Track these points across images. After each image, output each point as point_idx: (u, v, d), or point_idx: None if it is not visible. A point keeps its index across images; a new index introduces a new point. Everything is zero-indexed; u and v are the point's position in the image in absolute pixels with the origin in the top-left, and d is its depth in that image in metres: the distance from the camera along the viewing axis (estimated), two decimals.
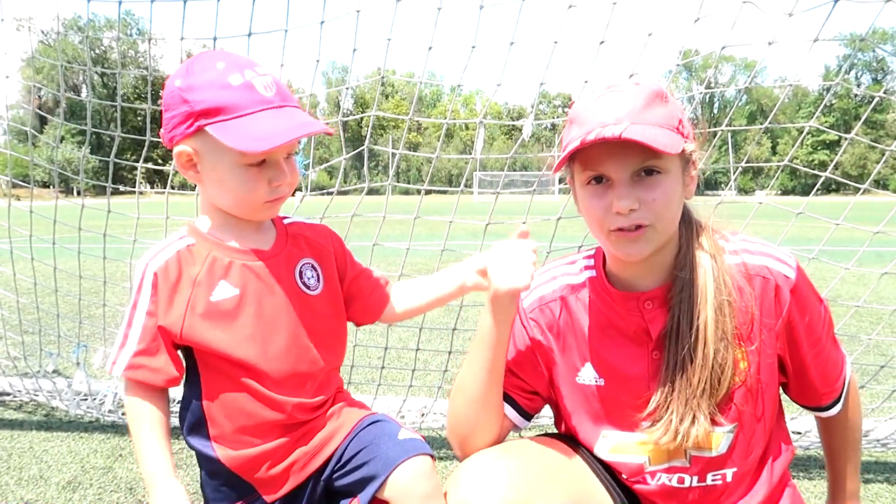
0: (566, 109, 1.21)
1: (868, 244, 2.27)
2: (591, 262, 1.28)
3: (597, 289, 1.24)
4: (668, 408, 1.13)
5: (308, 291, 1.30)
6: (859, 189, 2.32)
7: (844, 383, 1.25)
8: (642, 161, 1.05)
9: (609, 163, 1.06)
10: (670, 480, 1.20)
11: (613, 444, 1.23)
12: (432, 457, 1.25)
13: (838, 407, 1.25)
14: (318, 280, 1.34)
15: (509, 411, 1.33)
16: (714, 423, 1.14)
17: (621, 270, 1.21)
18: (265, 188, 1.21)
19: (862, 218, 2.21)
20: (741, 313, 1.12)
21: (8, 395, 3.26)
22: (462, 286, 1.40)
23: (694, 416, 1.11)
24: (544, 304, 1.29)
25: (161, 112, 1.24)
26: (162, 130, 1.24)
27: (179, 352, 1.28)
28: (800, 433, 2.79)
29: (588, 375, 1.23)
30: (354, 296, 1.44)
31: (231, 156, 1.16)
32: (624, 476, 1.24)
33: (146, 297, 1.23)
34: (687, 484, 1.20)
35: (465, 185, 2.70)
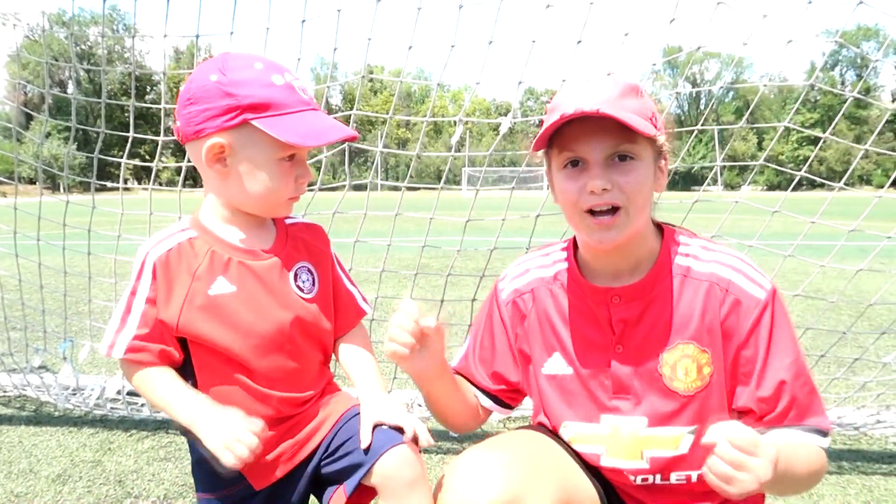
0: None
1: (850, 240, 2.33)
2: (564, 254, 1.32)
3: (567, 280, 1.28)
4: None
5: (302, 294, 1.34)
6: (843, 185, 2.38)
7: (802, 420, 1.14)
8: (617, 145, 1.10)
9: (585, 145, 1.10)
10: (635, 479, 1.24)
11: (573, 434, 1.28)
12: (416, 443, 1.29)
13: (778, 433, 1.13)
14: (314, 284, 1.38)
15: (486, 402, 1.39)
16: (675, 422, 1.19)
17: (594, 260, 1.25)
18: (292, 184, 1.28)
19: (845, 213, 2.27)
20: (706, 321, 1.16)
21: None
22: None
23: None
24: (519, 296, 1.33)
25: (183, 104, 1.24)
26: (177, 123, 1.26)
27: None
28: None
29: (555, 366, 1.28)
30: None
31: (270, 150, 1.22)
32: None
33: (146, 284, 1.25)
34: (651, 481, 1.24)
35: (455, 182, 2.74)
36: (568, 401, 1.27)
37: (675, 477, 1.23)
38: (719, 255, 1.20)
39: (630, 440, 1.22)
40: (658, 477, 1.23)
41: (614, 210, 1.11)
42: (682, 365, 1.17)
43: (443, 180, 2.65)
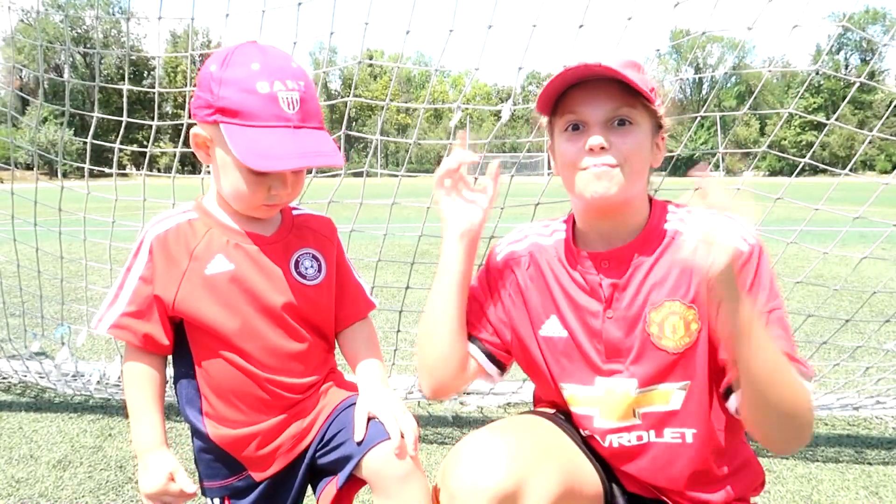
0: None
1: (850, 225, 2.32)
2: (564, 226, 1.35)
3: (564, 248, 1.31)
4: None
5: (303, 281, 1.33)
6: (847, 172, 2.37)
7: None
8: (616, 108, 1.14)
9: (585, 107, 1.15)
10: (630, 441, 1.25)
11: (569, 395, 1.29)
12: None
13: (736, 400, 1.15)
14: (319, 270, 1.37)
15: (476, 352, 1.37)
16: (666, 379, 1.20)
17: (589, 228, 1.28)
18: (264, 193, 1.24)
19: (847, 199, 2.25)
20: (693, 278, 1.18)
21: None
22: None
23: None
24: (515, 258, 1.36)
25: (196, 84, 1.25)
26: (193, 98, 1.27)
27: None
28: None
29: (551, 328, 1.30)
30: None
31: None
32: (585, 432, 1.30)
33: (142, 262, 1.26)
34: (646, 440, 1.24)
35: None
36: (563, 363, 1.29)
37: (669, 434, 1.23)
38: (705, 216, 1.20)
39: (623, 401, 1.23)
40: (652, 433, 1.24)
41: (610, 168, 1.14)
42: (670, 322, 1.19)
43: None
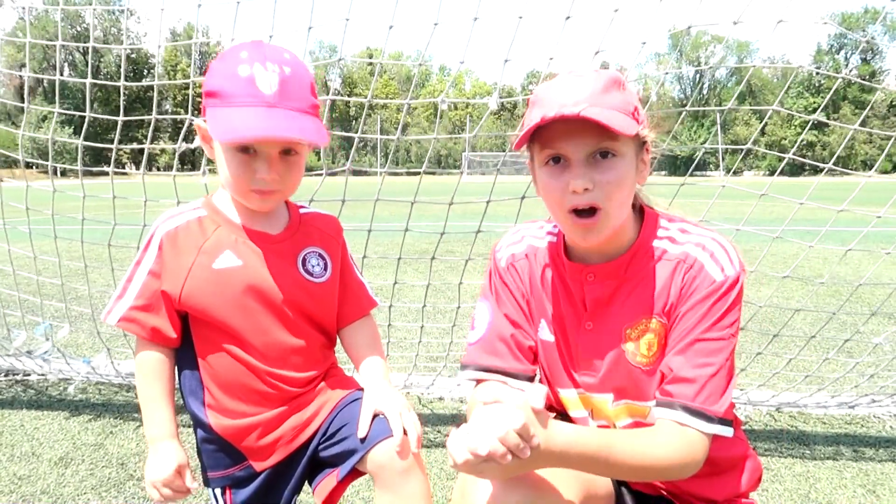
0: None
1: (850, 225, 2.33)
2: (555, 229, 1.34)
3: (553, 255, 1.31)
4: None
5: (310, 278, 1.36)
6: (846, 171, 2.38)
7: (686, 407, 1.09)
8: (598, 143, 1.09)
9: (566, 143, 1.11)
10: None
11: (562, 398, 1.31)
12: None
13: (658, 411, 1.12)
14: (326, 269, 1.40)
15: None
16: (641, 395, 1.20)
17: (576, 245, 1.27)
18: (250, 177, 1.24)
19: (844, 199, 2.26)
20: (670, 298, 1.17)
21: None
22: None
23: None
24: (516, 261, 1.35)
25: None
26: None
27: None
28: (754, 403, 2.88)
29: (543, 332, 1.30)
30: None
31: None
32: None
33: (151, 257, 1.29)
34: None
35: (454, 166, 2.73)
36: (552, 367, 1.30)
37: None
38: (694, 236, 1.20)
39: (602, 413, 1.26)
40: None
41: (594, 211, 1.11)
42: (646, 340, 1.18)
43: (424, 165, 2.65)
